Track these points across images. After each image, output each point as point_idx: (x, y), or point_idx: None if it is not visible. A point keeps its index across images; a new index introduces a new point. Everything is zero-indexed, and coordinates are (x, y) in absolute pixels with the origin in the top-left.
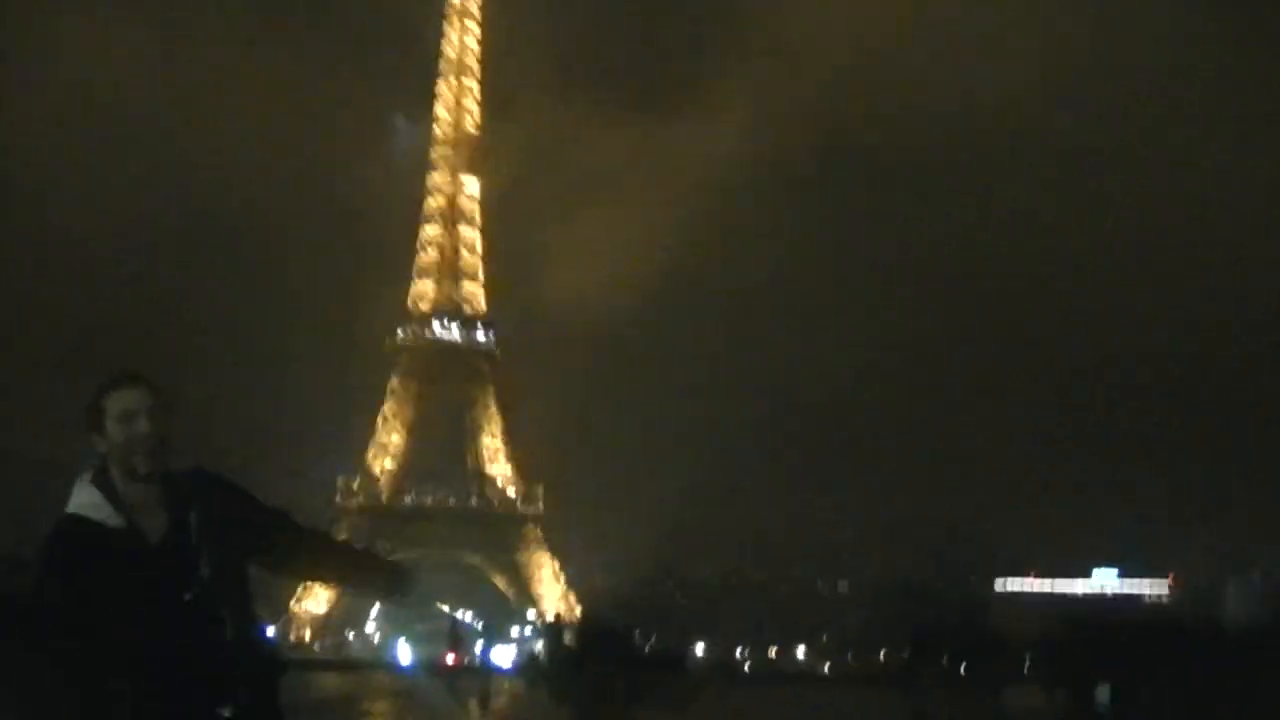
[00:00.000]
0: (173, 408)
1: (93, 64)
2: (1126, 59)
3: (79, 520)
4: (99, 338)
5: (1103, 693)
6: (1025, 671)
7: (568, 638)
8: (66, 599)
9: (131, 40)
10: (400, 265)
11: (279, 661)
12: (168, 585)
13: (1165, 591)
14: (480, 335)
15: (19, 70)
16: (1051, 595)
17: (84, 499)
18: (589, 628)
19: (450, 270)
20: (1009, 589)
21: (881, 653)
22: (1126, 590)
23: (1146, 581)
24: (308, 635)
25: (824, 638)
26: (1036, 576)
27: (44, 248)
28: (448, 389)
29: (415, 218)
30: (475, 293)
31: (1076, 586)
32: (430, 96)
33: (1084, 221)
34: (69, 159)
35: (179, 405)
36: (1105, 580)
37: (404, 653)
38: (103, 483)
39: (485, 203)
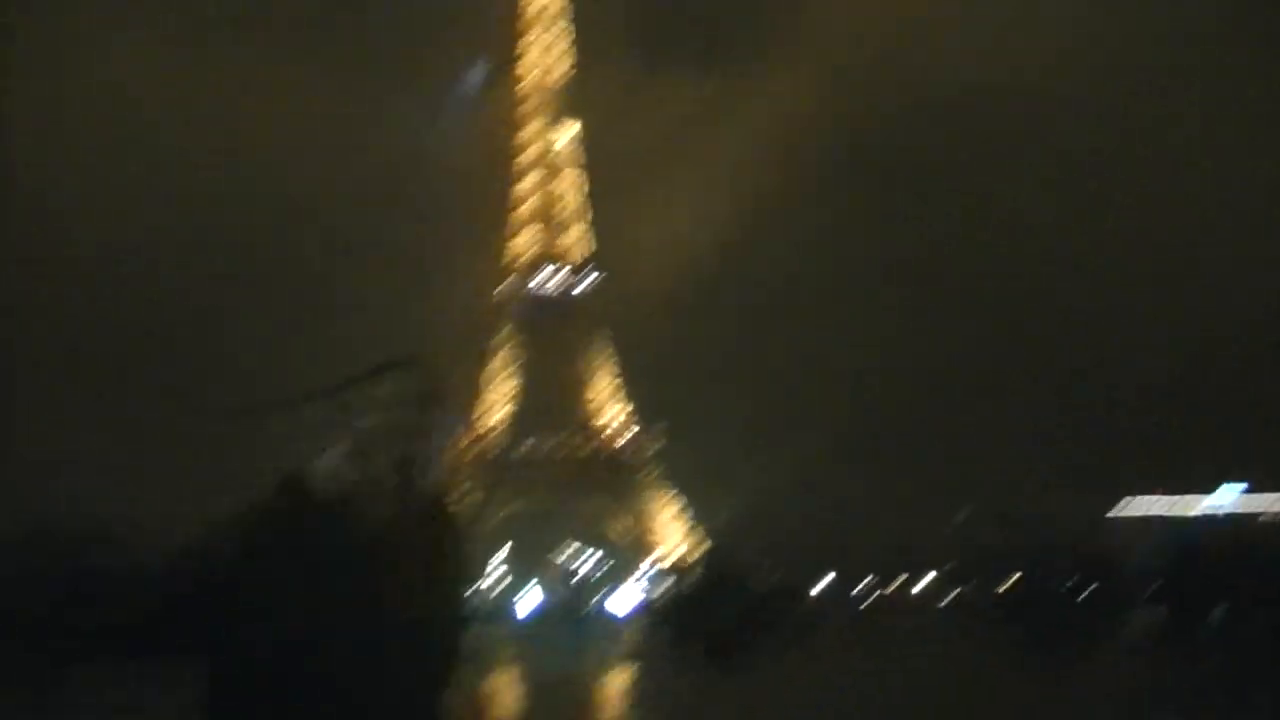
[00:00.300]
0: (435, 402)
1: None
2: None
3: (317, 480)
4: (206, 318)
5: (1218, 613)
6: (1144, 594)
7: (687, 580)
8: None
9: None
10: (500, 217)
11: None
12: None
13: None
14: (585, 281)
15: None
16: (1171, 517)
17: (326, 464)
18: (709, 568)
19: (550, 219)
20: (1130, 511)
21: (1000, 580)
22: (1250, 509)
23: (1273, 497)
24: None
25: (945, 567)
26: (1163, 494)
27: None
28: (556, 336)
29: (512, 170)
30: (576, 240)
31: (1199, 505)
32: (519, 48)
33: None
34: (145, 128)
35: (441, 399)
36: (1228, 498)
37: (523, 603)
38: (348, 456)
39: (579, 150)
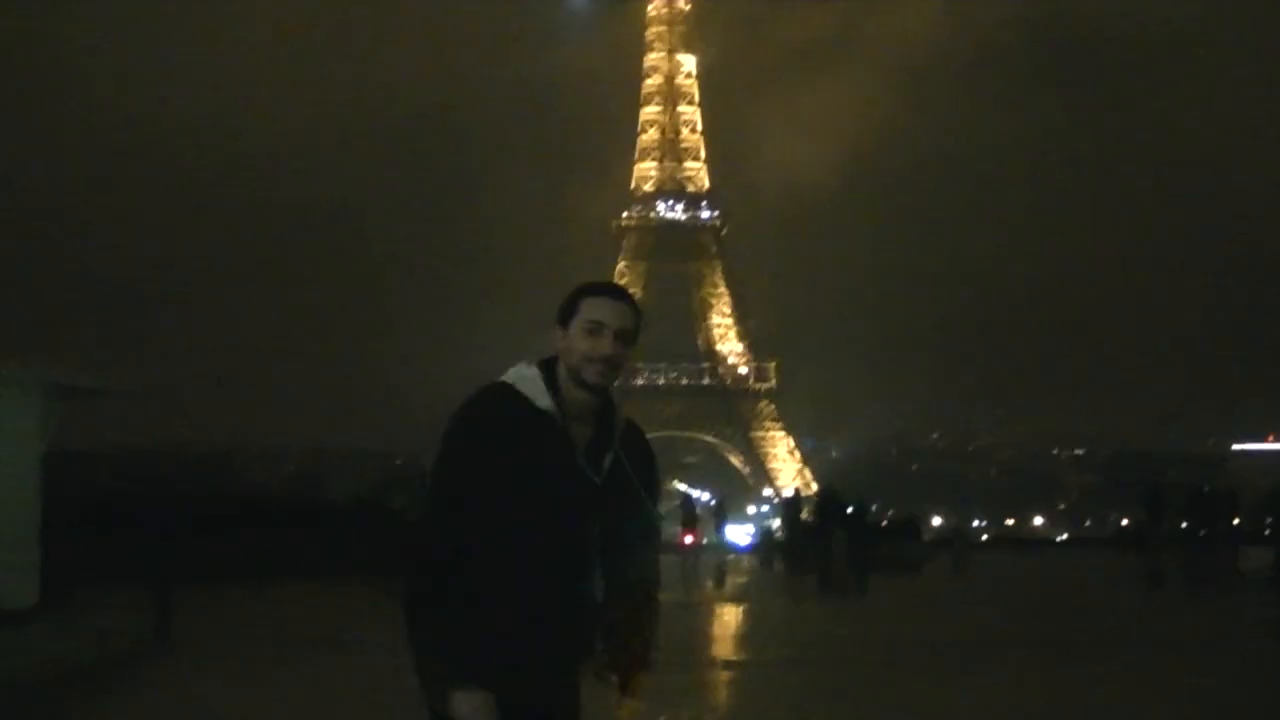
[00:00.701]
0: (638, 337)
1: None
2: None
3: (510, 390)
4: (341, 247)
5: None
6: (1264, 532)
7: (804, 512)
8: (470, 470)
9: None
10: (623, 146)
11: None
12: (577, 505)
13: None
14: (704, 212)
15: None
16: None
17: (522, 374)
18: (825, 502)
19: (671, 149)
20: (1247, 448)
21: (1116, 518)
22: None
23: None
24: None
25: (1060, 505)
26: (1275, 440)
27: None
28: (675, 267)
29: (635, 99)
30: (697, 170)
31: None
32: None
33: None
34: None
35: (644, 333)
36: None
37: None
38: (547, 372)
39: (697, 84)
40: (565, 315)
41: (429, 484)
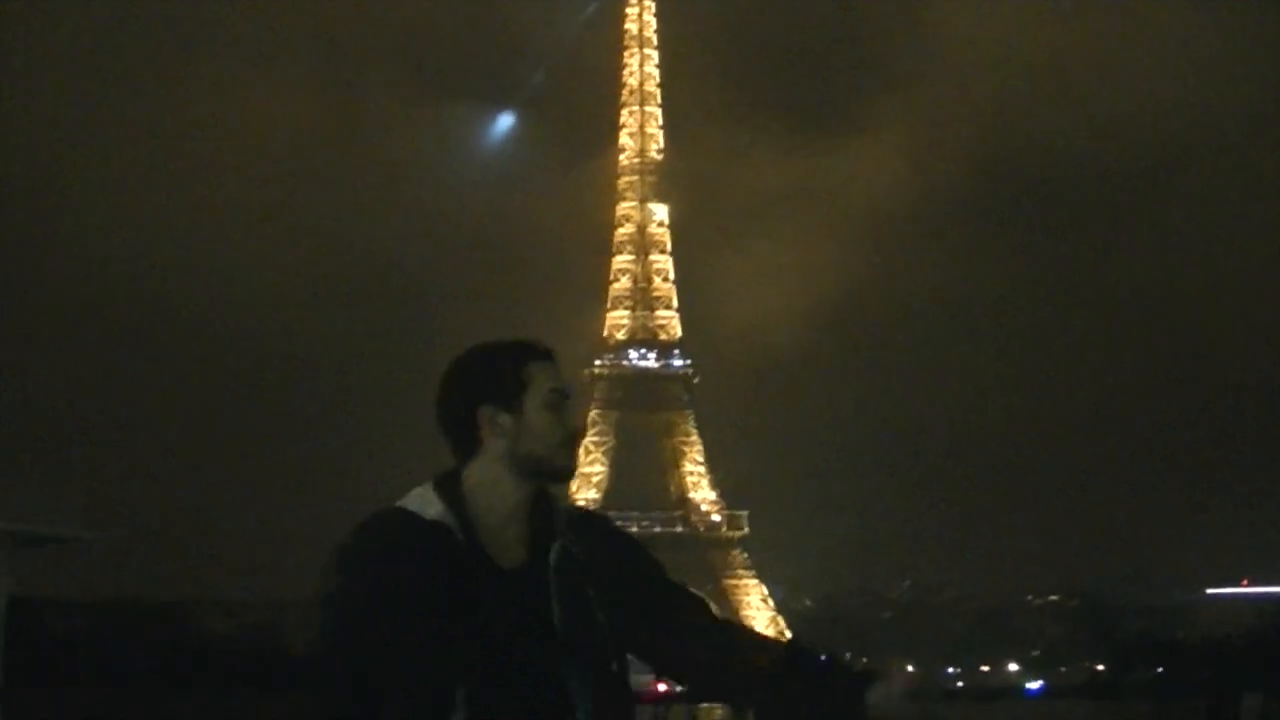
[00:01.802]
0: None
1: (266, 103)
2: None
3: (405, 513)
4: (289, 371)
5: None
6: (1234, 678)
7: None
8: (370, 604)
9: (322, 98)
10: (594, 296)
11: None
12: (511, 621)
13: None
14: (676, 361)
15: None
16: (1266, 596)
17: (416, 497)
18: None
19: (643, 298)
20: (1221, 593)
21: (1090, 665)
22: None
23: None
24: None
25: (1034, 652)
26: (1249, 585)
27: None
28: (647, 417)
29: (606, 248)
30: (669, 319)
31: None
32: (614, 127)
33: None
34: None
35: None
36: None
37: None
38: (449, 490)
39: (668, 233)
40: (506, 392)
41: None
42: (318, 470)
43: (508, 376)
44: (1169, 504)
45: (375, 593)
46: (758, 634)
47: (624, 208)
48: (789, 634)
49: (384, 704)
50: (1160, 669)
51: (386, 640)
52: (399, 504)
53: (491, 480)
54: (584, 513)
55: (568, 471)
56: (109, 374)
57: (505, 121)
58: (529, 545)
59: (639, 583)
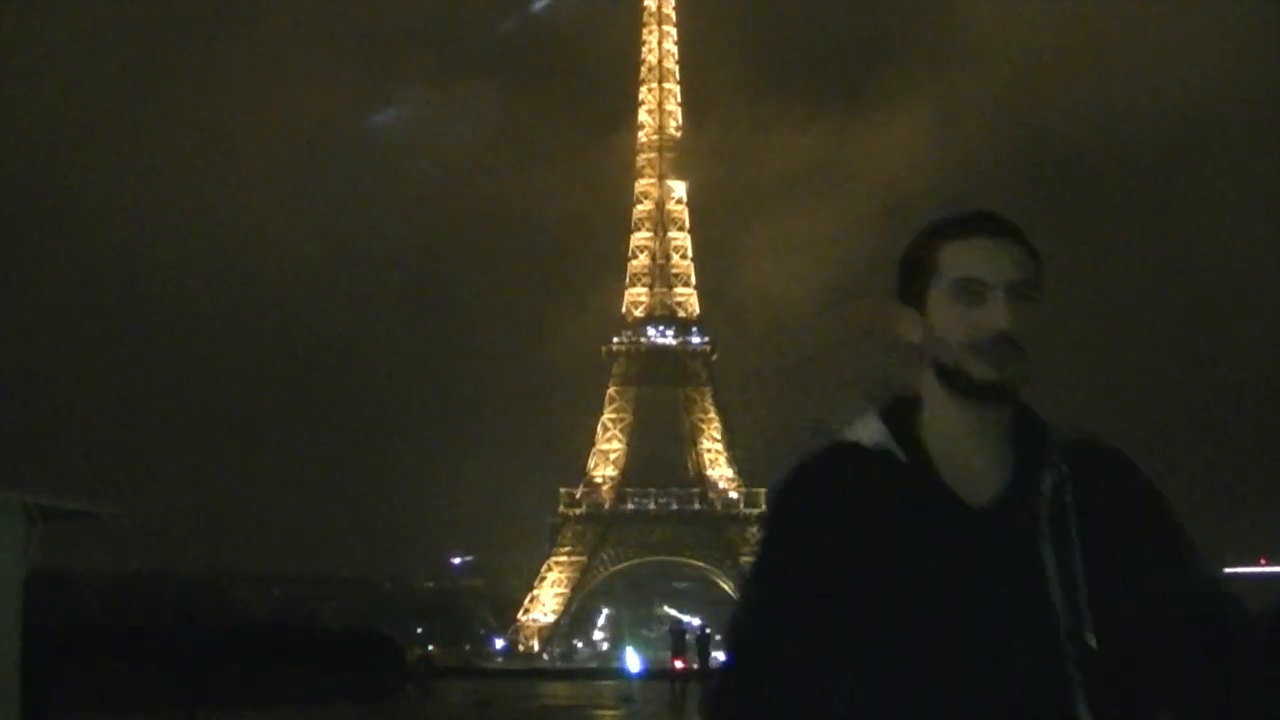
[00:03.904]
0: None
1: (305, 94)
2: None
3: (845, 445)
4: (306, 359)
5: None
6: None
7: None
8: (802, 554)
9: (341, 78)
10: (613, 272)
11: None
12: (982, 574)
13: None
14: (695, 338)
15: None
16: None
17: (863, 430)
18: None
19: (662, 274)
20: (1237, 571)
21: None
22: None
23: None
24: (536, 645)
25: None
26: (1266, 564)
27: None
28: (665, 393)
29: (625, 225)
30: (688, 296)
31: None
32: (633, 103)
33: None
34: (289, 180)
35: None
36: None
37: (632, 659)
38: (895, 417)
39: (687, 210)
40: (909, 281)
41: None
42: (345, 452)
43: (912, 259)
44: (1184, 482)
45: (807, 542)
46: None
47: (642, 184)
48: None
49: (822, 680)
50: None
51: (818, 598)
52: (840, 436)
53: (937, 399)
54: (1089, 441)
55: (986, 387)
56: (140, 360)
57: None
58: (1009, 478)
59: (1141, 555)
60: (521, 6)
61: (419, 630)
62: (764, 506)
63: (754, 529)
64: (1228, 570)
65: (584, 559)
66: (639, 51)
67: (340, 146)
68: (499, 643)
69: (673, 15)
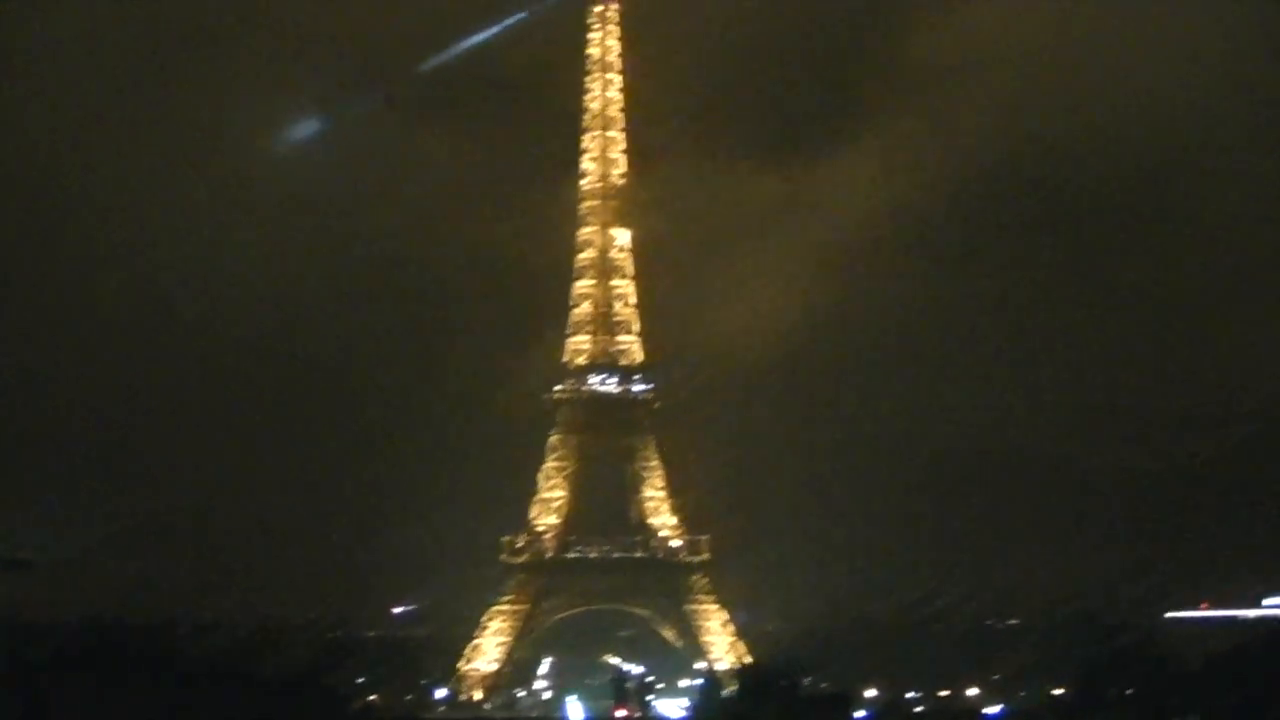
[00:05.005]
0: None
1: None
2: None
3: None
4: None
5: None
6: (1197, 699)
7: (731, 687)
8: None
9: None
10: (556, 320)
11: None
12: None
13: None
14: (638, 386)
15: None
16: (1223, 620)
17: None
18: (752, 676)
19: (605, 322)
20: (1180, 616)
21: (1049, 688)
22: None
23: None
24: (478, 694)
25: (995, 676)
26: (1208, 608)
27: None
28: (608, 441)
29: (568, 272)
30: (631, 343)
31: (1248, 614)
32: (576, 151)
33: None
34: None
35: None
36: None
37: (574, 708)
38: None
39: (632, 257)
40: None
41: None
42: (290, 503)
43: None
44: (1133, 530)
45: None
46: None
47: (585, 232)
48: (750, 659)
49: None
50: (1124, 691)
51: None
52: None
53: None
54: None
55: None
56: (89, 400)
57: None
58: None
59: None
60: (448, 48)
61: (362, 680)
62: (707, 554)
63: (698, 576)
64: (1171, 615)
65: (526, 607)
66: (583, 99)
67: (275, 185)
68: (441, 692)
69: (617, 63)
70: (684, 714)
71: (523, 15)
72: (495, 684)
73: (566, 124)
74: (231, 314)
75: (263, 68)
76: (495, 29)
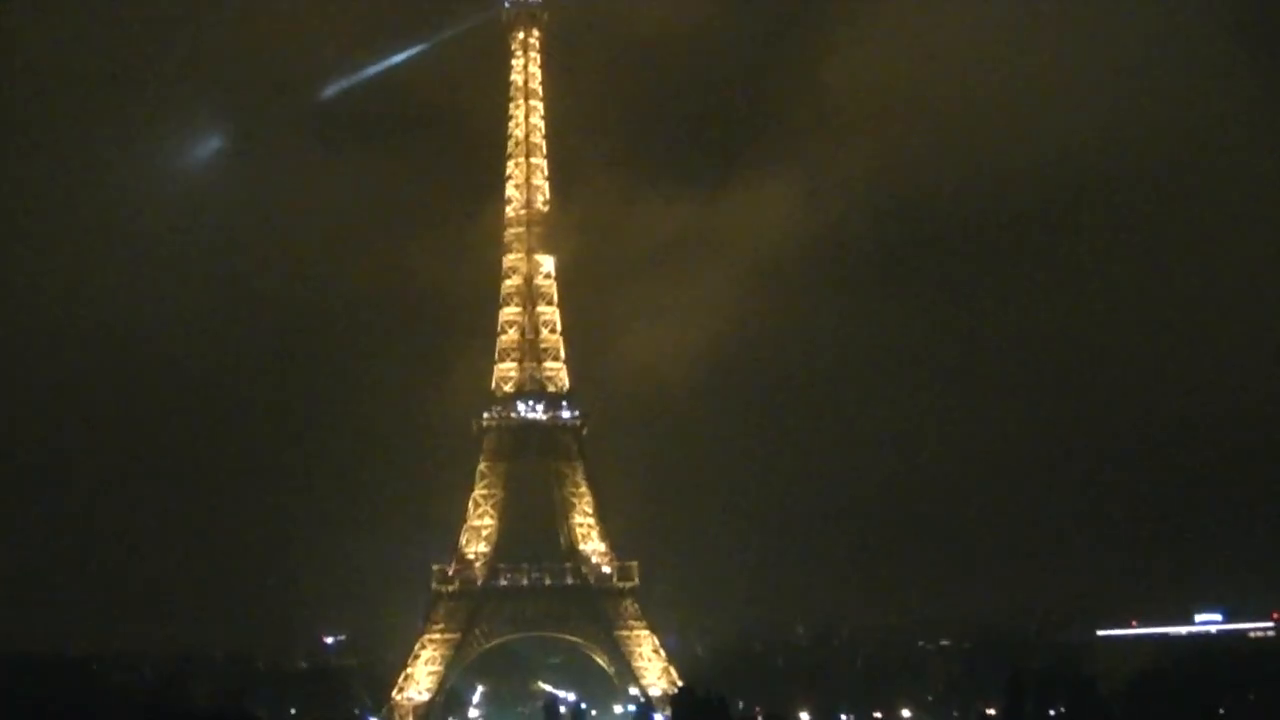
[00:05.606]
0: None
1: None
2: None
3: None
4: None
5: None
6: (1125, 715)
7: (664, 712)
8: None
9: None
10: (482, 347)
11: None
12: None
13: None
14: (565, 412)
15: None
16: (1153, 637)
17: None
18: (683, 702)
19: (531, 349)
20: (1110, 634)
21: (980, 707)
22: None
23: (1249, 626)
24: None
25: (929, 697)
26: (1138, 626)
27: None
28: (537, 467)
29: (494, 299)
30: (558, 370)
31: (1179, 631)
32: (500, 178)
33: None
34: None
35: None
36: (1209, 624)
37: None
38: None
39: (555, 285)
40: None
41: None
42: (218, 530)
43: None
44: (1061, 547)
45: None
46: None
47: (511, 259)
48: (681, 683)
49: None
50: (1054, 710)
51: None
52: None
53: None
54: None
55: None
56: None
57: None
58: None
59: None
60: (356, 73)
61: (293, 710)
62: (636, 580)
63: (628, 602)
64: (1101, 633)
65: (458, 636)
66: (507, 126)
67: (209, 201)
68: None
69: (540, 90)
70: None
71: (424, 46)
72: (428, 713)
73: (490, 151)
74: (156, 346)
75: (170, 93)
76: (400, 57)
